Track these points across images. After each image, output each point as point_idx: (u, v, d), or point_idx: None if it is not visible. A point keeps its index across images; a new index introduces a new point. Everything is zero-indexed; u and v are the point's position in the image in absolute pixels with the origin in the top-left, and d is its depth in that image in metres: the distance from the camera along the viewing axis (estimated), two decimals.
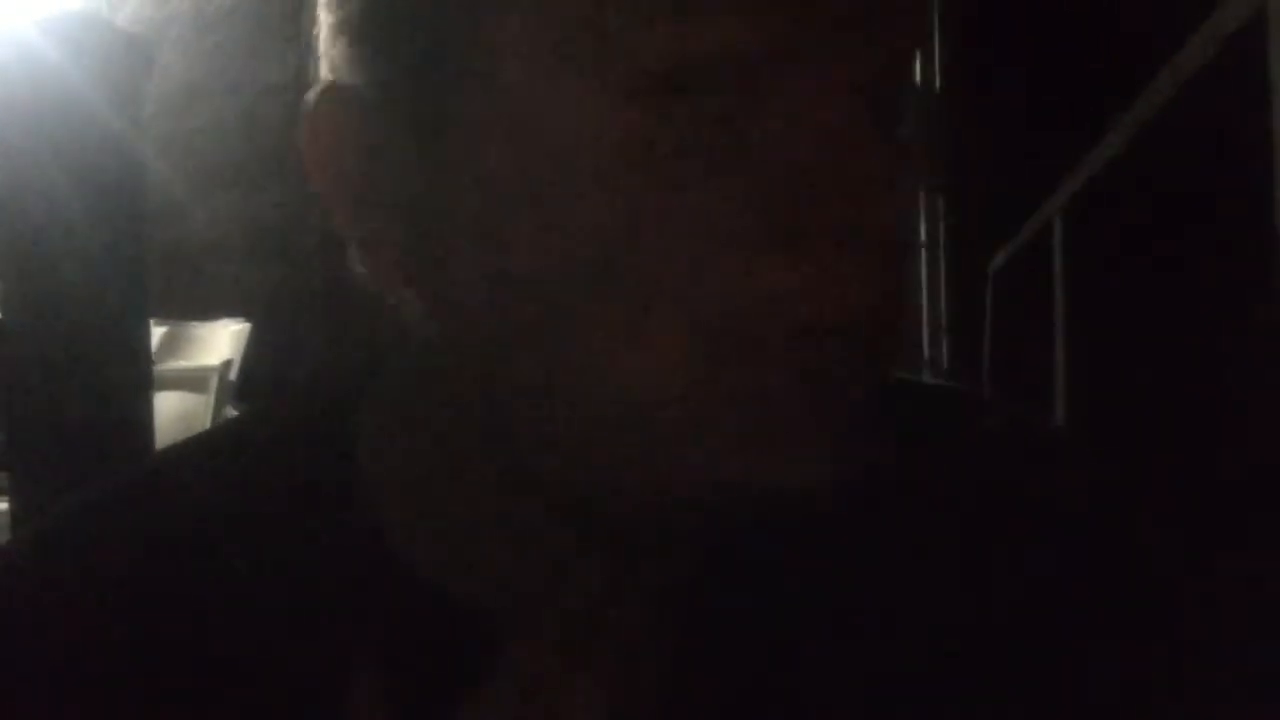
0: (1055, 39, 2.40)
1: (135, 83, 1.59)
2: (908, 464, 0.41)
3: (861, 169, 0.33)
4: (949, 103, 2.97)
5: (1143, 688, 0.38)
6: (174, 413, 2.57)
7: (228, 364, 2.77)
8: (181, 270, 2.78)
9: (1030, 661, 0.38)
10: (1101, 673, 0.38)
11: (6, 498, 1.81)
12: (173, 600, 0.39)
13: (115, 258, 1.56)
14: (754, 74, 0.33)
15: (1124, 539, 0.40)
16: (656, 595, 0.38)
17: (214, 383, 2.71)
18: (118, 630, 0.39)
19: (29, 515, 1.55)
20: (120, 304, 1.59)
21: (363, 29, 0.36)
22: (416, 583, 0.38)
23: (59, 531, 0.42)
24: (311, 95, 0.37)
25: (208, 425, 2.62)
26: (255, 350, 2.82)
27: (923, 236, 3.05)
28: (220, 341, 2.83)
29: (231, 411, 2.63)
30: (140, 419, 1.64)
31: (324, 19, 0.37)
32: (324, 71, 0.37)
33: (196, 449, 0.45)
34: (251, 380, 2.78)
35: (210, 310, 2.87)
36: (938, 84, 3.01)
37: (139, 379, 1.65)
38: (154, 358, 2.00)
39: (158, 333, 2.66)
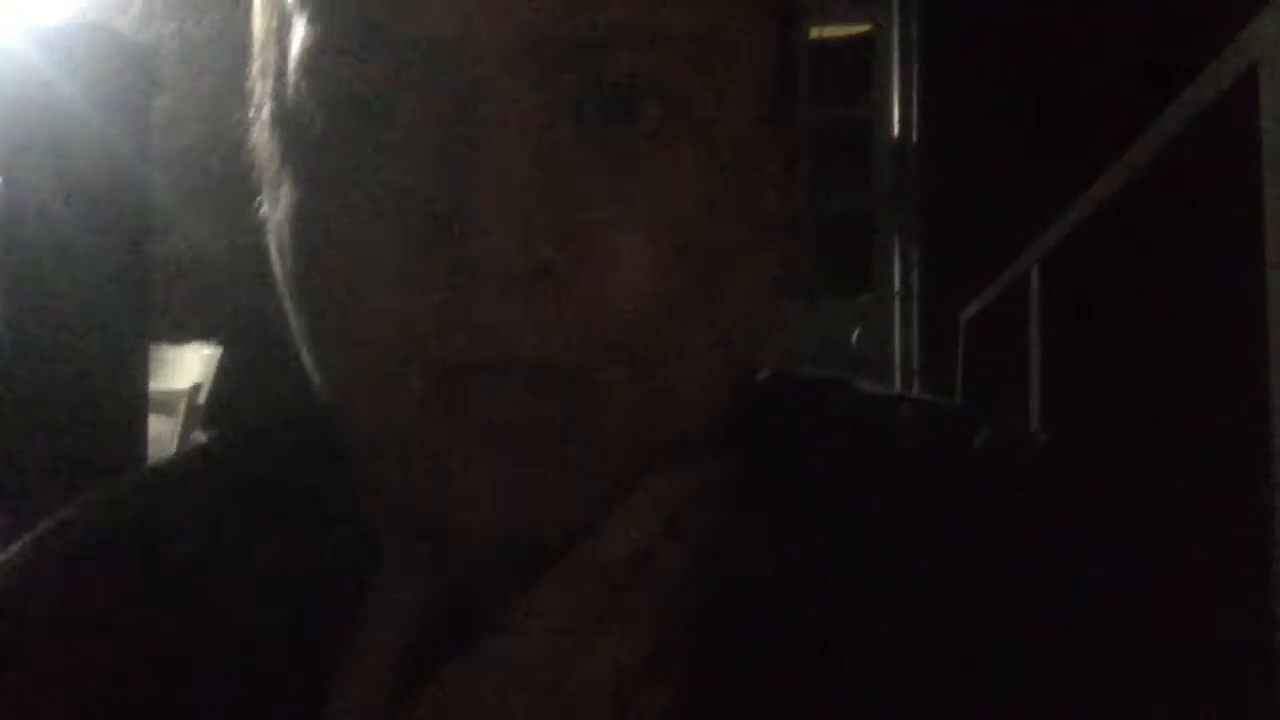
0: (1032, 91, 2.44)
1: (139, 97, 1.58)
2: (892, 480, 0.41)
3: (552, 192, 0.32)
4: (924, 153, 3.01)
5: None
6: None
7: (197, 388, 2.74)
8: (157, 291, 2.75)
9: (1008, 677, 0.37)
10: (1074, 686, 0.37)
11: None
12: (162, 603, 0.39)
13: (114, 276, 1.54)
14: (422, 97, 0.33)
15: (1100, 558, 0.40)
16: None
17: (182, 406, 2.67)
18: (109, 638, 0.39)
19: (22, 534, 1.51)
20: (118, 323, 1.57)
21: (258, 66, 0.39)
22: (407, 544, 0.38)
23: (49, 544, 0.42)
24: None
25: (174, 449, 2.58)
26: (225, 374, 2.78)
27: (897, 285, 3.08)
28: (190, 365, 2.79)
29: (200, 436, 2.60)
30: (136, 439, 1.61)
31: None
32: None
33: (179, 461, 0.46)
34: (220, 404, 2.74)
35: (180, 333, 2.83)
36: (914, 135, 3.05)
37: (136, 399, 1.62)
38: None
39: None
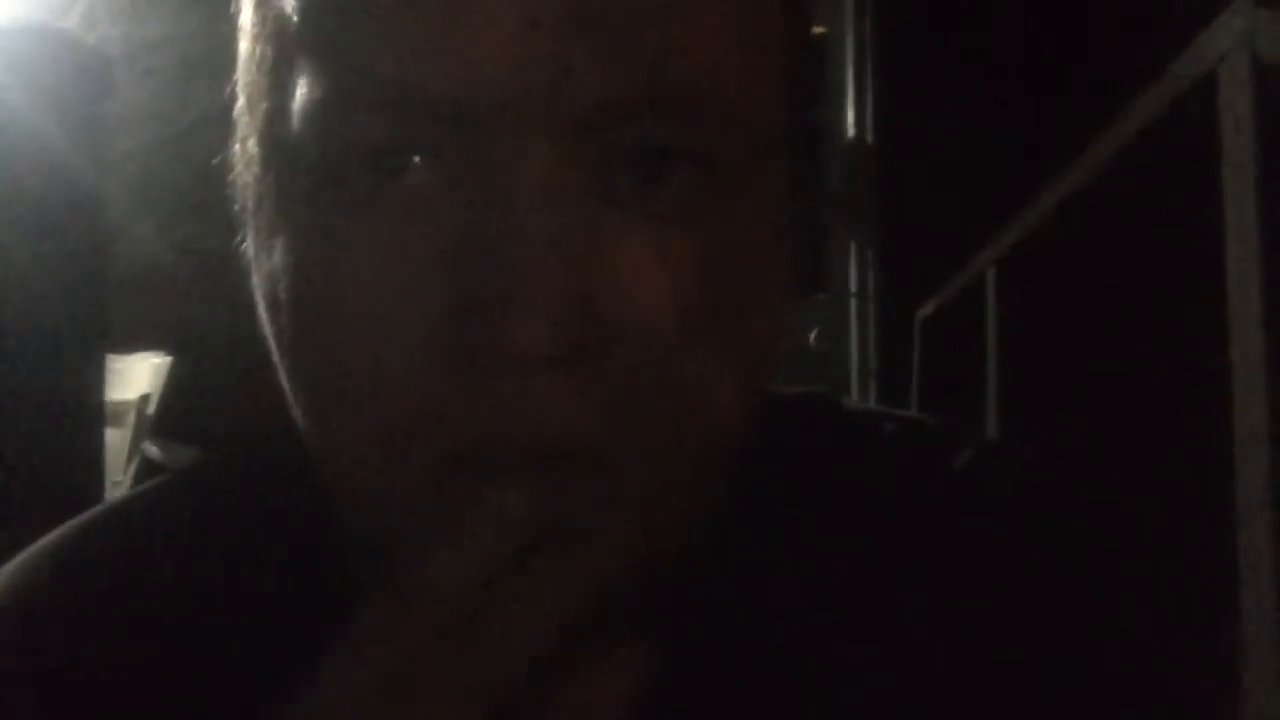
0: (988, 93, 2.46)
1: (91, 102, 1.54)
2: (873, 499, 0.41)
3: (581, 267, 0.30)
4: (879, 154, 3.03)
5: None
6: None
7: (146, 398, 2.69)
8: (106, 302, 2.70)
9: (991, 693, 0.37)
10: (1057, 700, 0.38)
11: None
12: (141, 636, 0.38)
13: (67, 287, 1.51)
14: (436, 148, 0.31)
15: (1086, 568, 0.40)
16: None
17: (131, 417, 2.63)
18: (83, 673, 0.38)
19: None
20: (72, 334, 1.54)
21: (245, 96, 0.36)
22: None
23: (22, 577, 0.41)
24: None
25: (124, 459, 2.54)
26: (175, 384, 2.74)
27: (853, 285, 3.10)
28: (139, 375, 2.74)
29: (150, 446, 2.55)
30: (92, 452, 1.58)
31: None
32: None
33: (154, 491, 0.44)
34: (170, 415, 2.70)
35: (129, 343, 2.78)
36: (869, 136, 3.07)
37: (91, 412, 1.59)
38: None
39: None
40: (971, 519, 0.40)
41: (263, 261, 0.34)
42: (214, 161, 0.38)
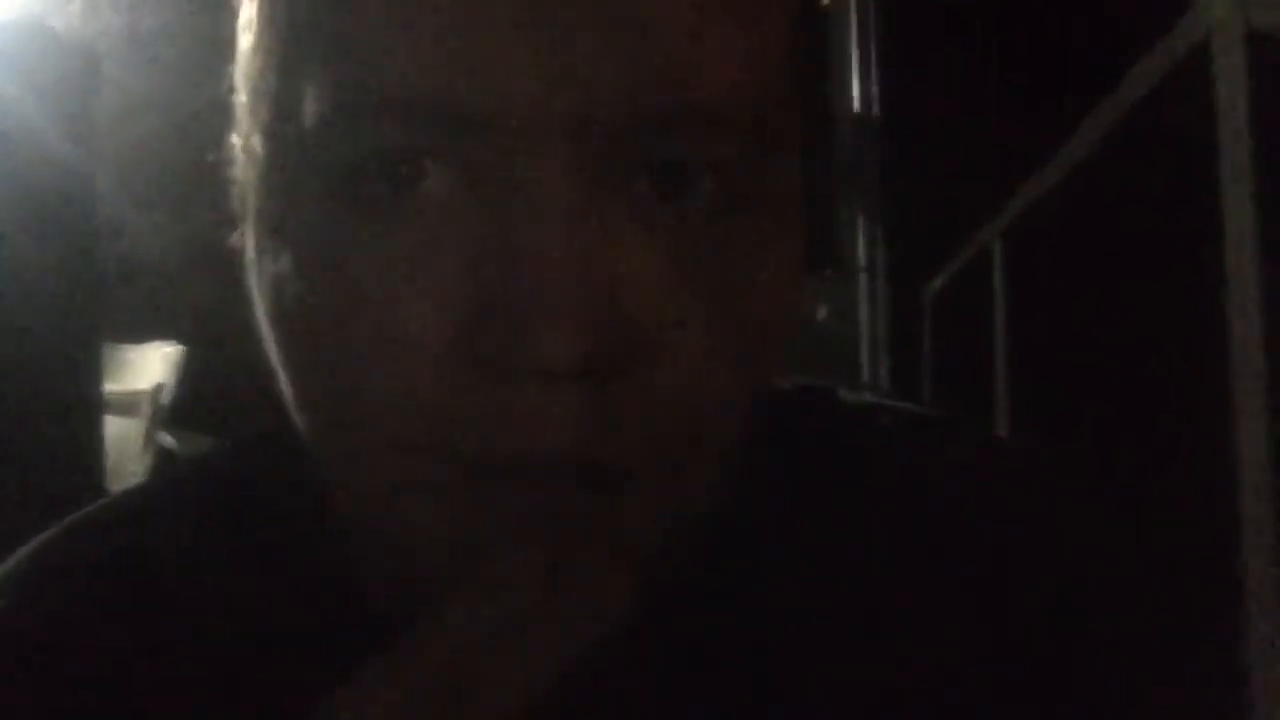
0: (993, 64, 2.45)
1: (81, 97, 1.55)
2: (869, 492, 0.41)
3: (603, 280, 0.29)
4: (886, 128, 3.02)
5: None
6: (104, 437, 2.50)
7: (160, 388, 2.71)
8: (113, 291, 2.71)
9: (987, 683, 0.37)
10: (1055, 689, 0.38)
11: None
12: (140, 634, 0.38)
13: (62, 278, 1.51)
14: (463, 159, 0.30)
15: (1089, 556, 0.40)
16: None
17: (145, 407, 2.64)
18: (84, 669, 0.38)
19: None
20: (69, 326, 1.54)
21: (248, 91, 0.35)
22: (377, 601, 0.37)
23: (23, 572, 0.41)
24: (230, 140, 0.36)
25: (139, 450, 2.55)
26: (189, 374, 2.75)
27: (861, 261, 3.08)
28: (152, 364, 2.76)
29: (165, 436, 2.57)
30: (91, 443, 1.59)
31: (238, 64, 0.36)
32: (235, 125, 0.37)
33: (160, 484, 0.45)
34: (185, 404, 2.71)
35: (142, 332, 2.80)
36: (875, 109, 3.05)
37: (89, 403, 1.60)
38: None
39: None
40: (969, 512, 0.40)
41: (266, 265, 0.34)
42: (220, 151, 0.38)
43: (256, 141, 0.34)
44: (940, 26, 2.62)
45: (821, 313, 3.08)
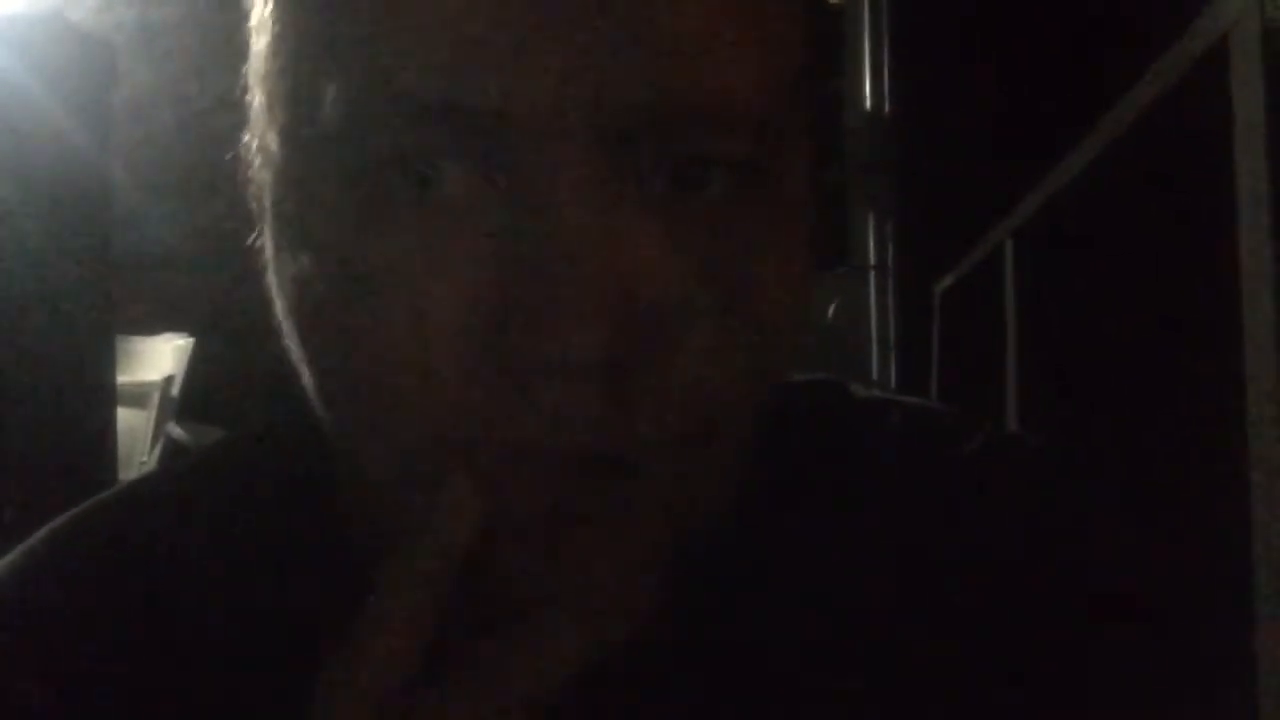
0: (1006, 63, 2.44)
1: (97, 89, 1.55)
2: (881, 488, 0.41)
3: (620, 276, 0.30)
4: (898, 126, 3.01)
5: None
6: None
7: (170, 379, 2.72)
8: (124, 283, 2.73)
9: (997, 680, 0.37)
10: (1066, 686, 0.38)
11: None
12: (147, 621, 0.39)
13: (76, 271, 1.52)
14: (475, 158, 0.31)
15: (1100, 555, 0.40)
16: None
17: (155, 398, 2.65)
18: (92, 654, 0.38)
19: None
20: (82, 319, 1.55)
21: (264, 92, 0.36)
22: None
23: (32, 559, 0.41)
24: (245, 139, 0.37)
25: (148, 441, 2.56)
26: (199, 365, 2.76)
27: (872, 258, 3.08)
28: (162, 356, 2.77)
29: (174, 427, 2.58)
30: (103, 434, 1.60)
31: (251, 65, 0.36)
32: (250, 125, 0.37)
33: (170, 473, 0.45)
34: (195, 396, 2.72)
35: (153, 324, 2.81)
36: (887, 107, 3.05)
37: (101, 394, 1.61)
38: None
39: None
40: (977, 507, 0.40)
41: (285, 263, 0.34)
42: (235, 145, 0.38)
43: (272, 141, 0.35)
44: (954, 24, 2.61)
45: (832, 310, 3.07)
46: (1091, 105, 1.43)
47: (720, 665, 0.38)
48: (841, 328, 3.07)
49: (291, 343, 0.35)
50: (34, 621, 0.39)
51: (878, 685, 0.37)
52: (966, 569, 0.39)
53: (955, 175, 2.55)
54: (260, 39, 0.35)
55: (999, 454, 0.42)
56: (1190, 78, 1.07)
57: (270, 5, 0.35)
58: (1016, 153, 1.99)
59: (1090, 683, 0.37)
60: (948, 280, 2.56)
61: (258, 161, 0.36)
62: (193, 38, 2.64)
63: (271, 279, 0.36)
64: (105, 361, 1.67)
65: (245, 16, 0.37)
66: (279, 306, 0.35)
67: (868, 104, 3.08)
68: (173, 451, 2.54)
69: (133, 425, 2.59)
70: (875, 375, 3.05)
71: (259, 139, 0.36)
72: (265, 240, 0.36)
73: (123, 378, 2.88)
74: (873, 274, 3.08)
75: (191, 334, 2.78)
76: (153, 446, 2.58)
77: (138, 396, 2.65)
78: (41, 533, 0.41)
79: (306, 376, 0.35)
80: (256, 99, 0.36)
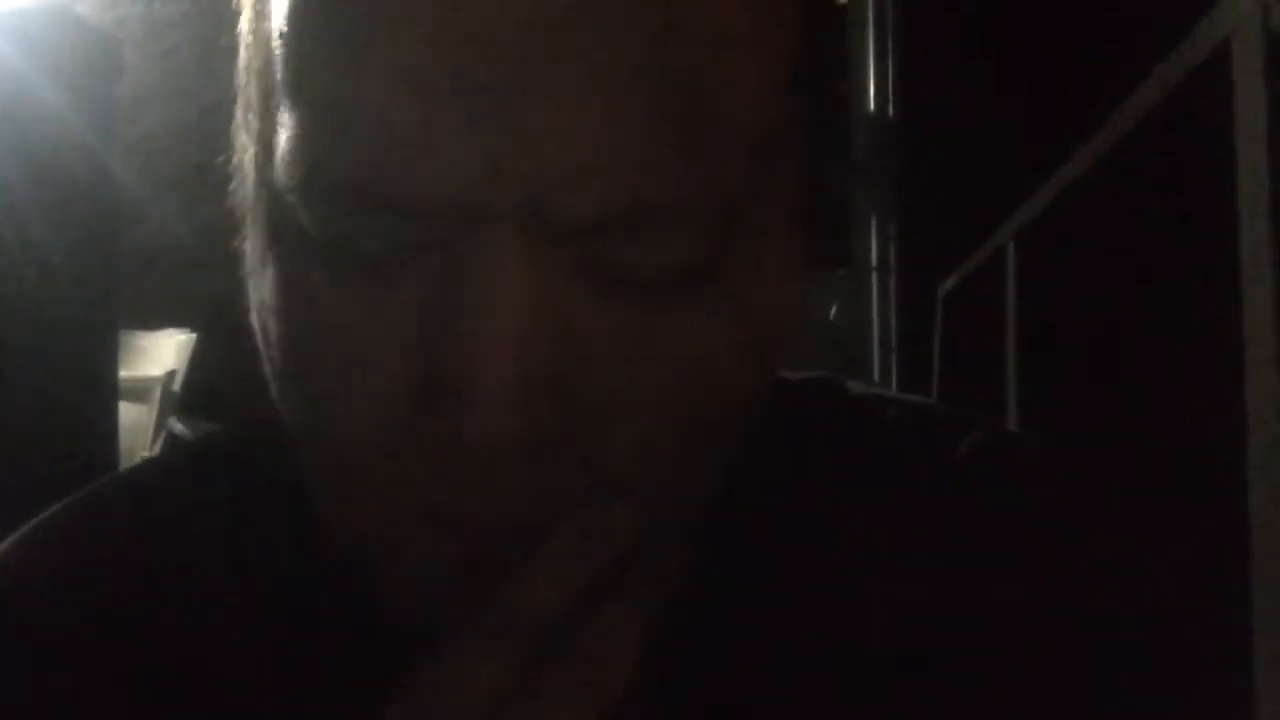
0: (1009, 64, 2.44)
1: (102, 83, 1.55)
2: (877, 486, 0.40)
3: (552, 361, 0.30)
4: (901, 127, 3.01)
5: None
6: None
7: (172, 374, 2.72)
8: (127, 278, 2.73)
9: (993, 679, 0.37)
10: (1063, 686, 0.38)
11: None
12: (139, 613, 0.39)
13: (80, 266, 1.52)
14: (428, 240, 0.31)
15: (1100, 557, 0.40)
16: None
17: (157, 393, 2.65)
18: (84, 647, 0.38)
19: None
20: (86, 314, 1.55)
21: (242, 105, 0.36)
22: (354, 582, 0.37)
23: (24, 548, 0.41)
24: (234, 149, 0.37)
25: (150, 436, 2.56)
26: (201, 361, 2.76)
27: (874, 259, 3.08)
28: (164, 351, 2.77)
29: (176, 423, 2.58)
30: (105, 430, 1.60)
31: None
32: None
33: (164, 463, 0.45)
34: (196, 391, 2.72)
35: (154, 319, 2.81)
36: (890, 108, 3.04)
37: (104, 389, 1.61)
38: None
39: None
40: (973, 505, 0.40)
41: (257, 281, 0.35)
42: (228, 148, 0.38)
43: (249, 161, 0.35)
44: (957, 25, 2.61)
45: (834, 310, 3.07)
46: (1095, 107, 1.43)
47: (718, 665, 0.37)
48: (843, 328, 3.06)
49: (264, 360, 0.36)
50: (23, 610, 0.39)
51: (875, 682, 0.37)
52: (964, 568, 0.39)
53: (958, 176, 2.55)
54: (243, 51, 0.36)
55: (996, 452, 0.42)
56: (1193, 80, 1.07)
57: (248, 22, 0.35)
58: (1019, 154, 1.99)
59: (1089, 683, 0.37)
60: (950, 281, 2.56)
61: (240, 173, 0.36)
62: (198, 32, 2.64)
63: (249, 286, 0.36)
64: (108, 356, 1.67)
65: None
66: (252, 314, 0.36)
67: (871, 104, 3.08)
68: (173, 446, 2.54)
69: (135, 420, 2.59)
70: (876, 376, 3.05)
71: (241, 153, 0.36)
72: (247, 246, 0.36)
73: (125, 373, 2.88)
74: (875, 275, 3.07)
75: (194, 329, 2.78)
76: (154, 441, 2.59)
77: (140, 391, 2.65)
78: (33, 522, 0.41)
79: (273, 392, 0.36)
80: (238, 111, 0.36)
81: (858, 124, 3.10)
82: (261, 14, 0.33)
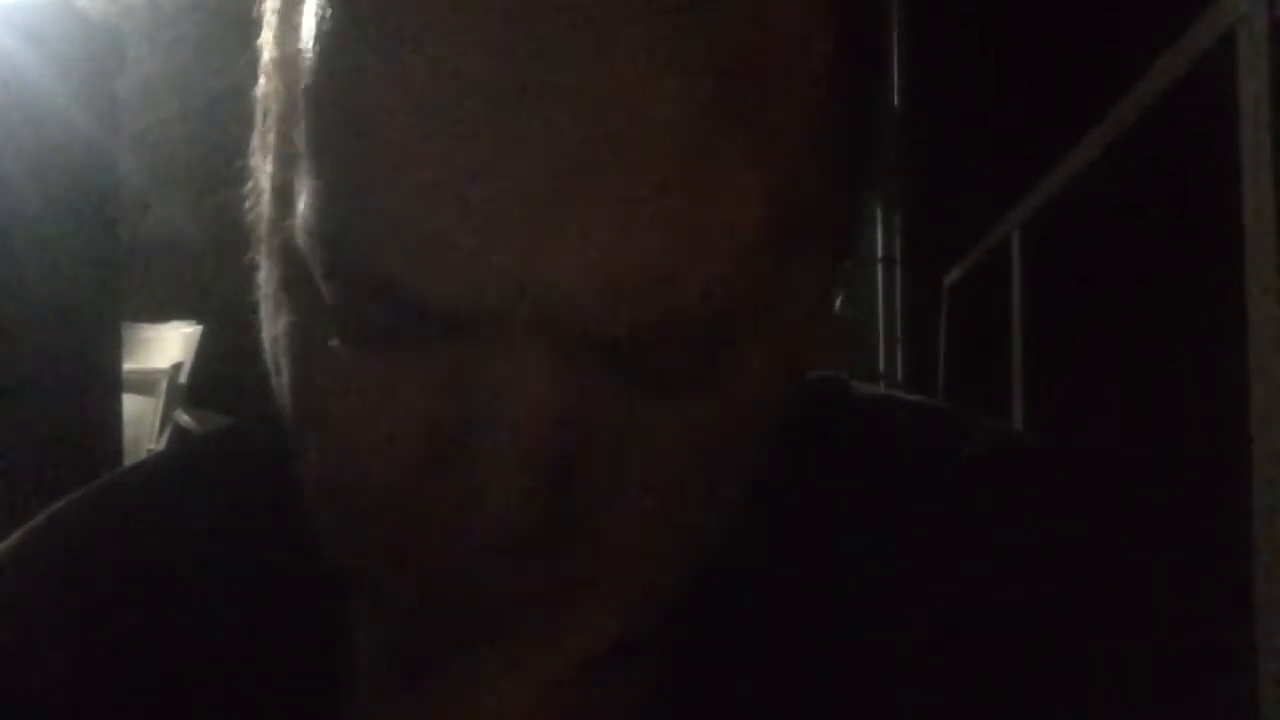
0: (1015, 56, 2.43)
1: (105, 76, 1.55)
2: (883, 487, 0.40)
3: (562, 460, 0.29)
4: (906, 118, 3.00)
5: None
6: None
7: (178, 367, 2.72)
8: (132, 271, 2.73)
9: (1002, 680, 0.37)
10: (1071, 685, 0.38)
11: None
12: (139, 613, 0.39)
13: (83, 258, 1.52)
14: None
15: (1098, 561, 0.40)
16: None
17: (163, 385, 2.66)
18: (88, 643, 0.38)
19: None
20: (89, 306, 1.55)
21: (258, 136, 0.35)
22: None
23: (28, 542, 0.42)
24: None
25: (156, 429, 2.57)
26: (207, 353, 2.77)
27: (879, 251, 3.07)
28: (171, 344, 2.77)
29: (182, 415, 2.58)
30: (110, 422, 1.60)
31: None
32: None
33: (170, 457, 0.45)
34: (202, 384, 2.73)
35: (161, 312, 2.81)
36: (895, 99, 3.04)
37: (109, 381, 1.61)
38: None
39: None
40: (978, 507, 0.40)
41: (269, 310, 0.34)
42: (243, 133, 0.37)
43: (265, 199, 0.34)
44: (961, 18, 2.60)
45: (839, 302, 3.06)
46: (1099, 99, 1.42)
47: (721, 665, 0.38)
48: (849, 320, 3.06)
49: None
50: (23, 610, 0.39)
51: (881, 684, 0.37)
52: (968, 569, 0.39)
53: (963, 169, 2.55)
54: (263, 81, 0.35)
55: (1000, 454, 0.42)
56: (1197, 72, 1.07)
57: (268, 34, 0.34)
58: (1024, 146, 1.99)
59: (1092, 682, 0.37)
60: (955, 273, 2.56)
61: (254, 199, 0.35)
62: (202, 24, 2.64)
63: (263, 311, 0.35)
64: (112, 348, 1.68)
65: (254, 2, 0.36)
66: (265, 340, 0.35)
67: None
68: (180, 439, 2.55)
69: (140, 413, 2.59)
70: (882, 367, 3.05)
71: (254, 181, 0.35)
72: (261, 263, 0.35)
73: (130, 365, 2.89)
74: (880, 267, 3.07)
75: (199, 321, 2.79)
76: (160, 434, 2.59)
77: (145, 384, 2.65)
78: (40, 516, 0.42)
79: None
80: (255, 141, 0.35)
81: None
82: (283, 40, 0.32)
